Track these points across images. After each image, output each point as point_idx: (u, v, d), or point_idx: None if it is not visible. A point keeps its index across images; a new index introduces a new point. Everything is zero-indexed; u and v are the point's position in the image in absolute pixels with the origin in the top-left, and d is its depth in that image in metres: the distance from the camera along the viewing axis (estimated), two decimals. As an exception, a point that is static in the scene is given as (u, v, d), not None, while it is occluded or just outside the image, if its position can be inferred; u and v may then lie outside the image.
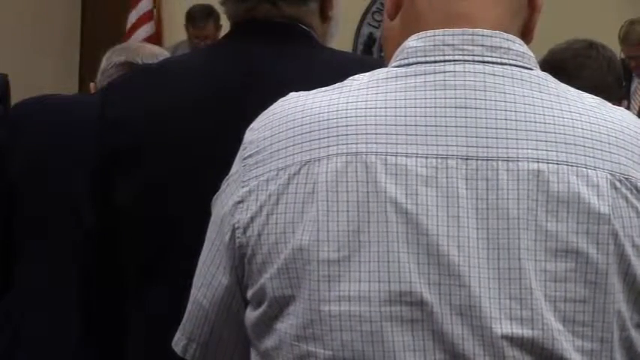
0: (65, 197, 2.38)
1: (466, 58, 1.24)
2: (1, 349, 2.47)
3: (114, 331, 1.79)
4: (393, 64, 1.27)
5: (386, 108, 1.22)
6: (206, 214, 1.35)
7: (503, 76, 1.23)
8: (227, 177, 1.31)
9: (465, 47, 1.24)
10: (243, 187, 1.26)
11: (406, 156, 1.20)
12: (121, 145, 1.72)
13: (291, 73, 1.68)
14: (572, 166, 1.19)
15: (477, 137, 1.20)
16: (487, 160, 1.19)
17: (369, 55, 7.57)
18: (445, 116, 1.21)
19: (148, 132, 1.70)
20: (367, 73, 1.27)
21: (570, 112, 1.23)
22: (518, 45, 1.26)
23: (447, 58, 1.24)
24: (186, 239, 1.63)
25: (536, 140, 1.20)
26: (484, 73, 1.23)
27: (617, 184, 1.20)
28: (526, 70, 1.25)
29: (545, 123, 1.21)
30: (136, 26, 7.34)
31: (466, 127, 1.21)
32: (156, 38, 7.19)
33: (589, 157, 1.20)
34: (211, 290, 1.31)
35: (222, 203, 1.29)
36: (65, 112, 2.52)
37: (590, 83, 2.49)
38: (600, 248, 1.18)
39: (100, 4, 7.53)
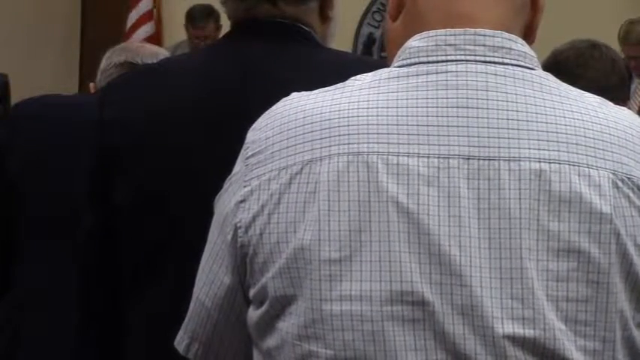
0: (65, 197, 2.38)
1: (468, 58, 1.24)
2: (1, 349, 2.47)
3: (114, 331, 1.79)
4: (395, 64, 1.27)
5: (388, 108, 1.22)
6: (205, 214, 1.35)
7: (505, 76, 1.23)
8: (229, 176, 1.31)
9: (467, 47, 1.24)
10: (245, 186, 1.26)
11: (408, 156, 1.20)
12: (121, 145, 1.72)
13: (291, 73, 1.68)
14: (573, 165, 1.19)
15: (478, 137, 1.20)
16: (489, 159, 1.19)
17: (369, 55, 7.57)
18: (447, 116, 1.21)
19: (147, 132, 1.70)
20: (369, 73, 1.27)
21: (572, 111, 1.23)
22: (520, 45, 1.26)
23: (449, 58, 1.24)
24: (186, 239, 1.63)
25: (538, 140, 1.20)
26: (486, 73, 1.23)
27: (619, 183, 1.20)
28: (528, 70, 1.25)
29: (547, 123, 1.21)
30: (136, 26, 7.33)
31: (468, 126, 1.21)
32: (156, 38, 7.19)
33: (591, 156, 1.20)
34: (213, 289, 1.31)
35: (225, 203, 1.29)
36: (65, 112, 2.52)
37: (593, 84, 2.49)
38: (602, 248, 1.18)
39: (100, 4, 7.53)
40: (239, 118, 1.43)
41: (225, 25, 1.87)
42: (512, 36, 1.27)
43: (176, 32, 7.21)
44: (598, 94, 1.29)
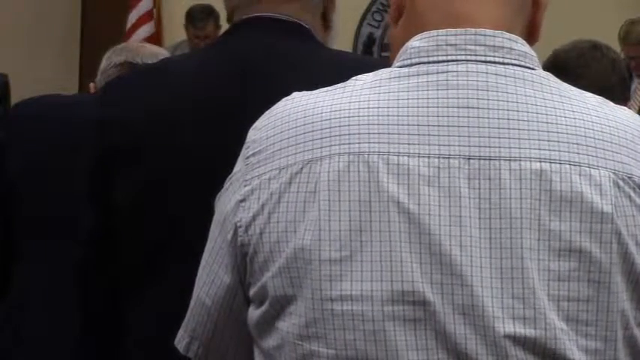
0: (65, 197, 2.38)
1: (469, 58, 1.24)
2: (1, 349, 2.47)
3: (113, 331, 1.79)
4: (396, 65, 1.27)
5: (388, 108, 1.22)
6: (205, 213, 1.35)
7: (505, 75, 1.23)
8: (230, 176, 1.31)
9: (468, 47, 1.24)
10: (245, 185, 1.26)
11: (408, 156, 1.19)
12: (121, 145, 1.72)
13: (291, 73, 1.68)
14: (574, 165, 1.19)
15: (479, 137, 1.20)
16: (489, 159, 1.19)
17: (369, 55, 7.57)
18: (447, 116, 1.21)
19: (147, 132, 1.70)
20: (370, 73, 1.27)
21: (573, 111, 1.23)
22: (520, 45, 1.26)
23: (449, 58, 1.24)
24: (186, 239, 1.63)
25: (539, 140, 1.20)
26: (487, 72, 1.23)
27: (620, 182, 1.20)
28: (528, 70, 1.25)
29: (547, 122, 1.21)
30: (136, 26, 7.33)
31: (468, 126, 1.20)
32: (156, 38, 7.18)
33: (592, 156, 1.20)
34: (214, 289, 1.31)
35: (225, 202, 1.29)
36: (65, 112, 2.52)
37: (594, 84, 2.49)
38: (603, 247, 1.18)
39: (100, 4, 7.52)
40: (239, 117, 1.43)
41: (225, 25, 1.86)
42: (513, 36, 1.26)
43: (176, 32, 7.21)
44: (598, 94, 1.28)
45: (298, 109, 1.26)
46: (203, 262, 1.33)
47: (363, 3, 7.65)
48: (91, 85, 2.84)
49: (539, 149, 1.19)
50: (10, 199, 2.47)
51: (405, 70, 1.25)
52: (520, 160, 1.19)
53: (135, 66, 2.62)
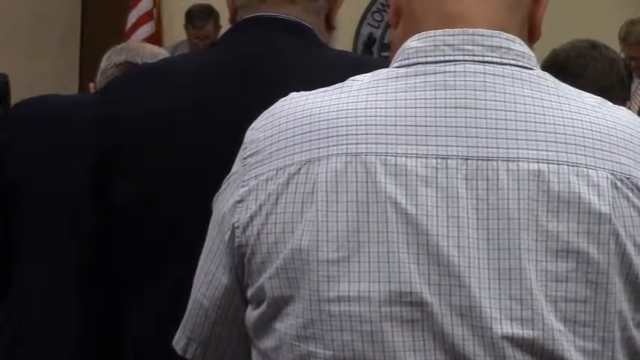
0: (65, 197, 2.37)
1: (466, 58, 1.24)
2: (1, 349, 2.47)
3: (113, 331, 1.79)
4: (394, 65, 1.27)
5: (386, 108, 1.22)
6: (205, 214, 1.35)
7: (503, 76, 1.23)
8: (227, 176, 1.31)
9: (465, 47, 1.24)
10: (243, 186, 1.26)
11: (406, 156, 1.19)
12: (121, 145, 1.72)
13: (290, 73, 1.68)
14: (572, 166, 1.19)
15: (477, 137, 1.20)
16: (487, 160, 1.19)
17: (369, 55, 7.57)
18: (445, 116, 1.21)
19: (147, 132, 1.70)
20: (368, 74, 1.27)
21: (571, 111, 1.22)
22: (518, 45, 1.26)
23: (447, 58, 1.24)
24: (186, 239, 1.63)
25: (537, 140, 1.20)
26: (484, 73, 1.23)
27: (618, 183, 1.20)
28: (526, 70, 1.25)
29: (545, 123, 1.21)
30: (136, 26, 7.33)
31: (466, 127, 1.20)
32: (156, 38, 7.18)
33: (589, 156, 1.20)
34: (211, 289, 1.31)
35: (223, 203, 1.29)
36: (65, 112, 2.52)
37: (593, 84, 2.49)
38: (601, 248, 1.18)
39: (100, 4, 7.52)
40: (239, 117, 1.43)
41: (225, 25, 1.87)
42: (511, 36, 1.26)
43: (176, 32, 7.21)
44: (597, 94, 1.28)
45: (296, 109, 1.26)
46: (200, 262, 1.33)
47: (363, 3, 7.64)
48: (91, 85, 2.84)
49: (537, 150, 1.19)
50: (10, 198, 2.47)
51: (403, 70, 1.25)
52: (518, 161, 1.19)
53: (135, 66, 2.62)
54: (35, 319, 2.43)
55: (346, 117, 1.22)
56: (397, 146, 1.20)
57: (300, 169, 1.22)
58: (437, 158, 1.19)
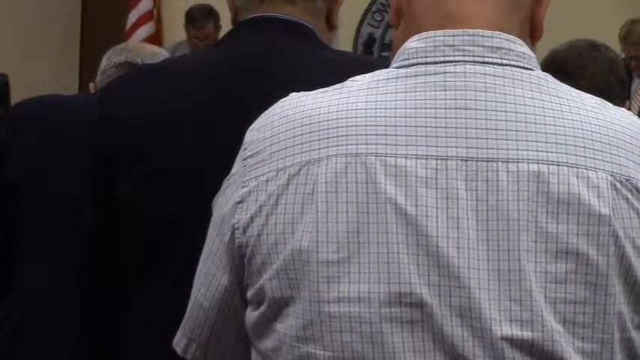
0: (65, 197, 2.37)
1: (466, 58, 1.24)
2: (1, 348, 2.47)
3: (113, 331, 1.79)
4: (394, 65, 1.27)
5: (386, 109, 1.22)
6: (205, 214, 1.35)
7: (503, 76, 1.23)
8: (227, 177, 1.30)
9: (466, 48, 1.24)
10: (243, 187, 1.26)
11: (406, 157, 1.19)
12: (121, 145, 1.72)
13: (291, 73, 1.68)
14: (572, 167, 1.19)
15: (476, 138, 1.20)
16: (487, 161, 1.19)
17: (369, 55, 7.57)
18: (445, 117, 1.21)
19: (147, 132, 1.70)
20: (368, 74, 1.27)
21: (571, 112, 1.22)
22: (519, 45, 1.26)
23: (447, 58, 1.24)
24: (186, 239, 1.63)
25: (536, 141, 1.20)
26: (484, 73, 1.23)
27: (618, 185, 1.20)
28: (526, 71, 1.24)
29: (545, 124, 1.21)
30: (136, 26, 7.33)
31: (466, 128, 1.20)
32: (156, 38, 7.18)
33: (589, 158, 1.20)
34: (211, 290, 1.31)
35: (223, 203, 1.29)
36: (65, 112, 2.51)
37: (592, 84, 2.49)
38: (601, 249, 1.18)
39: (100, 4, 7.52)
40: (239, 118, 1.43)
41: (225, 25, 1.87)
42: (511, 37, 1.26)
43: (176, 32, 7.21)
44: (596, 95, 1.28)
45: (295, 110, 1.26)
46: (200, 264, 1.33)
47: (363, 3, 7.64)
48: (91, 85, 2.84)
49: (537, 151, 1.19)
50: (10, 198, 2.47)
51: (403, 70, 1.25)
52: (518, 162, 1.19)
53: (135, 66, 2.62)
54: (35, 319, 2.43)
55: (346, 117, 1.22)
56: (397, 147, 1.20)
57: (300, 169, 1.22)
58: (437, 159, 1.19)
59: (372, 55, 7.63)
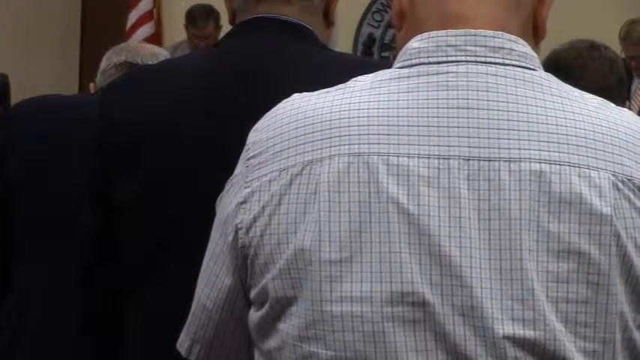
0: (65, 197, 2.38)
1: (469, 58, 1.24)
2: (0, 349, 2.47)
3: (113, 331, 1.79)
4: (396, 65, 1.27)
5: (388, 109, 1.22)
6: (205, 214, 1.35)
7: (505, 76, 1.23)
8: (231, 178, 1.31)
9: (468, 48, 1.24)
10: (246, 187, 1.26)
11: (408, 156, 1.19)
12: (121, 145, 1.72)
13: (290, 73, 1.68)
14: (574, 166, 1.19)
15: (479, 138, 1.20)
16: (489, 160, 1.19)
17: (370, 55, 7.57)
18: (447, 117, 1.21)
19: (147, 132, 1.70)
20: (370, 75, 1.27)
21: (573, 112, 1.22)
22: (521, 46, 1.26)
23: (449, 58, 1.24)
24: (186, 239, 1.63)
25: (539, 141, 1.20)
26: (487, 73, 1.23)
27: (620, 184, 1.20)
28: (529, 71, 1.25)
29: (547, 124, 1.21)
30: (136, 26, 7.33)
31: (468, 127, 1.20)
32: (156, 38, 7.18)
33: (591, 157, 1.20)
34: (215, 291, 1.31)
35: (226, 204, 1.29)
36: (65, 112, 2.52)
37: (592, 84, 2.48)
38: (602, 249, 1.18)
39: (100, 4, 7.52)
40: (239, 118, 1.43)
41: (225, 25, 1.87)
42: (513, 37, 1.26)
43: (176, 32, 7.21)
44: (597, 95, 1.28)
45: (298, 110, 1.26)
46: (204, 264, 1.33)
47: (363, 3, 7.64)
48: (91, 85, 2.84)
49: (539, 150, 1.19)
50: (10, 199, 2.47)
51: (405, 70, 1.25)
52: (520, 162, 1.19)
53: (135, 66, 2.62)
54: (35, 319, 2.43)
55: (348, 117, 1.22)
56: (399, 146, 1.20)
57: (302, 169, 1.22)
58: (439, 158, 1.19)
59: (372, 55, 7.63)
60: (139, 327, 1.74)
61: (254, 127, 1.31)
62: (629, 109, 1.33)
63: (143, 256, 1.72)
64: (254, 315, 1.26)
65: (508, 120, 1.21)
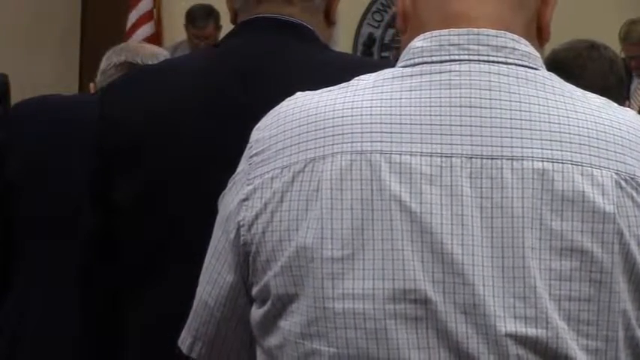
0: (65, 197, 2.37)
1: (471, 57, 1.24)
2: (1, 349, 2.47)
3: (113, 331, 1.79)
4: (399, 65, 1.28)
5: (391, 107, 1.22)
6: (205, 214, 1.35)
7: (508, 75, 1.23)
8: (233, 176, 1.31)
9: (471, 47, 1.24)
10: (248, 185, 1.26)
11: (411, 154, 1.20)
12: (121, 145, 1.72)
13: (291, 73, 1.69)
14: (577, 165, 1.19)
15: (481, 136, 1.20)
16: (492, 158, 1.19)
17: (370, 55, 7.57)
18: (450, 115, 1.21)
19: (147, 132, 1.70)
20: (373, 73, 1.28)
21: (576, 111, 1.23)
22: (524, 45, 1.26)
23: (452, 57, 1.24)
24: (186, 239, 1.64)
25: (541, 139, 1.20)
26: (489, 72, 1.23)
27: (623, 183, 1.20)
28: (531, 70, 1.25)
29: (550, 122, 1.21)
30: (136, 26, 7.33)
31: (471, 125, 1.20)
32: (156, 38, 7.19)
33: (594, 156, 1.20)
34: (216, 288, 1.31)
35: (228, 201, 1.29)
36: (65, 112, 2.52)
37: (591, 84, 2.48)
38: (605, 247, 1.18)
39: (100, 4, 7.53)
40: (240, 118, 1.44)
41: (225, 25, 1.87)
42: (516, 36, 1.26)
43: (176, 32, 7.21)
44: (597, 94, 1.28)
45: (301, 108, 1.26)
46: (206, 262, 1.33)
47: (363, 3, 7.64)
48: (91, 85, 2.84)
49: (542, 149, 1.19)
50: (10, 199, 2.47)
51: (408, 69, 1.25)
52: (522, 160, 1.19)
53: (135, 66, 2.62)
54: (35, 319, 2.43)
55: (351, 115, 1.23)
56: (402, 144, 1.20)
57: (305, 167, 1.22)
58: (441, 156, 1.20)
59: (372, 55, 7.63)
60: (139, 327, 1.74)
61: (257, 126, 1.31)
62: (629, 108, 1.33)
63: (143, 256, 1.72)
64: (256, 312, 1.26)
65: (511, 118, 1.21)
